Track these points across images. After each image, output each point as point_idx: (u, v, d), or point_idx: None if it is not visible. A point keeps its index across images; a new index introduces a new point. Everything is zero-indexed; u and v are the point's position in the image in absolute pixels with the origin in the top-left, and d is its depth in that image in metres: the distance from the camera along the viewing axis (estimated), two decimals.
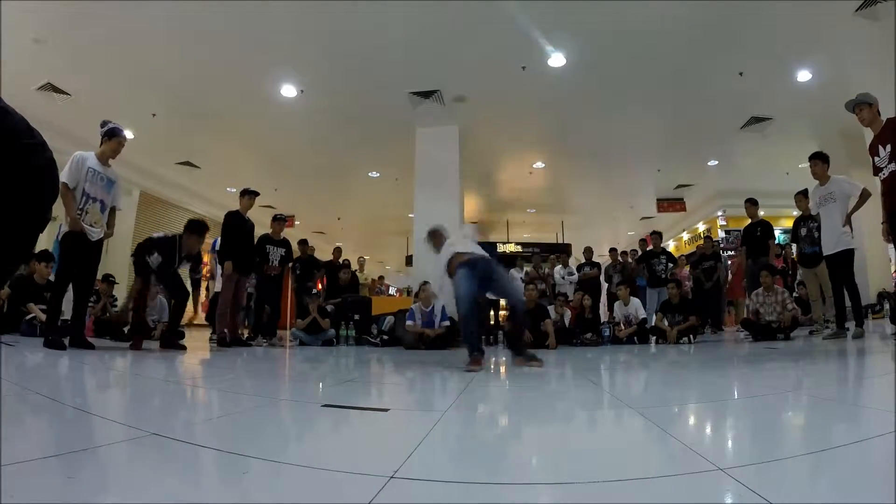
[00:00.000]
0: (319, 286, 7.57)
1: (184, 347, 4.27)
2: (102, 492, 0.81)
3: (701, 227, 13.37)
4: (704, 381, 2.49)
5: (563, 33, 5.62)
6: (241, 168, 9.97)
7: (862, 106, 3.75)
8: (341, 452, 1.15)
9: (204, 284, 8.55)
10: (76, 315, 3.82)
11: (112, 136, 3.82)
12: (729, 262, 8.58)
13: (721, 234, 11.79)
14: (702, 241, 8.77)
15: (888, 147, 3.46)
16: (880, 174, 3.62)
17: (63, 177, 3.54)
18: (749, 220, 6.41)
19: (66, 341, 3.57)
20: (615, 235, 15.56)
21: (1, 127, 1.34)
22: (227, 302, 5.23)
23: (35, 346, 3.58)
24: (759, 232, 6.15)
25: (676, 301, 5.99)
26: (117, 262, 8.32)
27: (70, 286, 3.79)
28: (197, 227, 4.31)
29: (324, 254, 9.40)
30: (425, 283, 5.90)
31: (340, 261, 8.06)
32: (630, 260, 8.41)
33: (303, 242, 7.54)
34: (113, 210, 3.93)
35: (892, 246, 4.41)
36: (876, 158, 3.63)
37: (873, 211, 4.12)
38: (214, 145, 8.81)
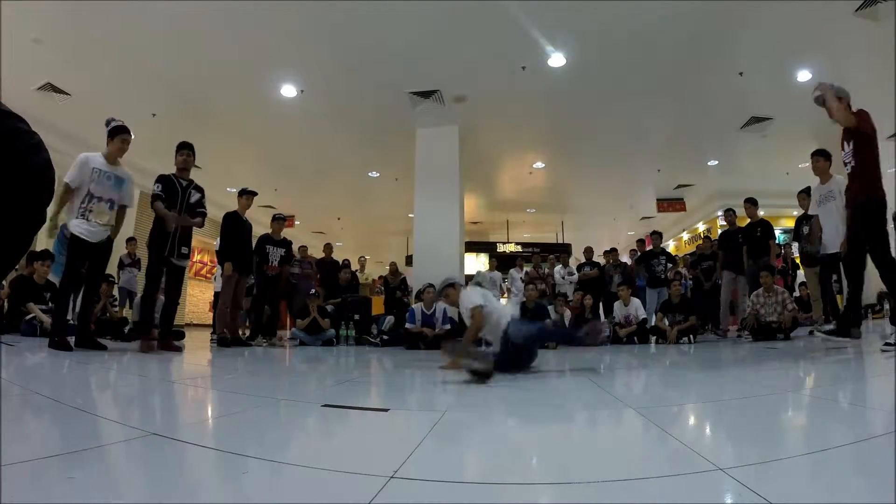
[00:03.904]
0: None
1: (180, 349, 4.09)
2: (102, 492, 0.81)
3: (701, 227, 13.37)
4: (704, 380, 2.49)
5: (562, 33, 5.62)
6: (241, 168, 9.96)
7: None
8: (341, 452, 1.15)
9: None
10: (84, 315, 3.80)
11: (115, 134, 3.81)
12: None
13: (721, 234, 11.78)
14: (701, 241, 8.76)
15: (851, 143, 3.40)
16: (846, 168, 3.55)
17: (66, 177, 3.56)
18: (748, 221, 6.41)
19: (72, 342, 3.56)
20: (615, 235, 15.56)
21: (3, 129, 1.35)
22: (227, 302, 5.24)
23: (35, 346, 3.58)
24: (759, 232, 6.16)
25: (677, 301, 5.99)
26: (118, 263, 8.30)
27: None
28: (178, 146, 4.32)
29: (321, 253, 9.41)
30: (429, 285, 5.90)
31: (332, 257, 8.06)
32: (630, 261, 8.41)
33: (327, 247, 7.99)
34: (122, 208, 3.90)
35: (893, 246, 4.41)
36: (842, 153, 3.55)
37: None
38: (214, 145, 8.80)
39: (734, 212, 6.77)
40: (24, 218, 1.40)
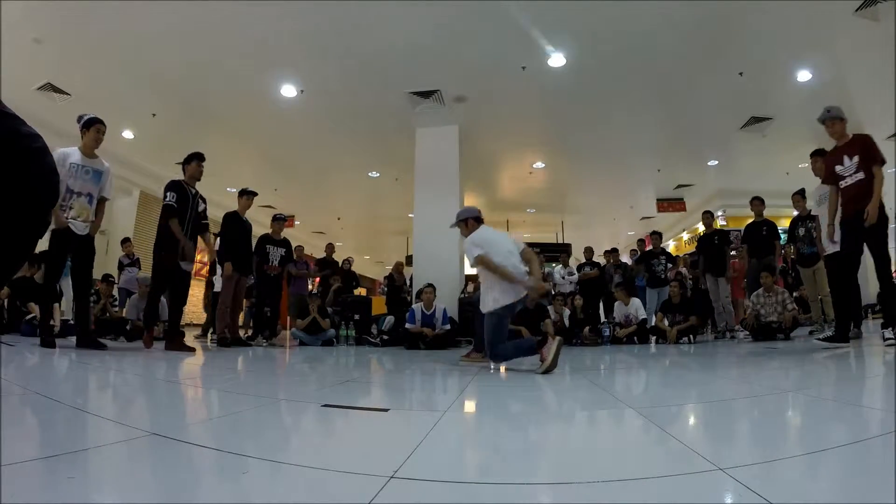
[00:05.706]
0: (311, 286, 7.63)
1: (192, 349, 4.11)
2: (102, 492, 0.81)
3: (701, 228, 13.33)
4: (704, 380, 2.50)
5: (562, 33, 5.62)
6: (241, 168, 9.96)
7: (835, 120, 3.91)
8: (341, 452, 1.15)
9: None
10: (80, 314, 3.77)
11: (89, 125, 3.74)
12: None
13: None
14: None
15: (855, 158, 3.68)
16: (841, 182, 3.82)
17: None
18: (750, 219, 6.42)
19: (75, 342, 3.56)
20: (615, 235, 15.56)
21: (6, 131, 1.34)
22: (227, 302, 5.24)
23: (35, 346, 3.58)
24: (764, 231, 6.16)
25: (677, 301, 5.99)
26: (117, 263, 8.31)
27: (62, 285, 3.74)
28: (191, 155, 4.38)
29: (320, 252, 9.50)
30: (429, 285, 5.90)
31: (333, 257, 8.24)
32: (630, 261, 8.42)
33: (329, 246, 8.27)
34: (102, 201, 3.83)
35: (892, 246, 4.47)
36: (838, 167, 3.84)
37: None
38: (214, 145, 8.79)
39: (712, 214, 6.89)
40: (28, 223, 1.40)
